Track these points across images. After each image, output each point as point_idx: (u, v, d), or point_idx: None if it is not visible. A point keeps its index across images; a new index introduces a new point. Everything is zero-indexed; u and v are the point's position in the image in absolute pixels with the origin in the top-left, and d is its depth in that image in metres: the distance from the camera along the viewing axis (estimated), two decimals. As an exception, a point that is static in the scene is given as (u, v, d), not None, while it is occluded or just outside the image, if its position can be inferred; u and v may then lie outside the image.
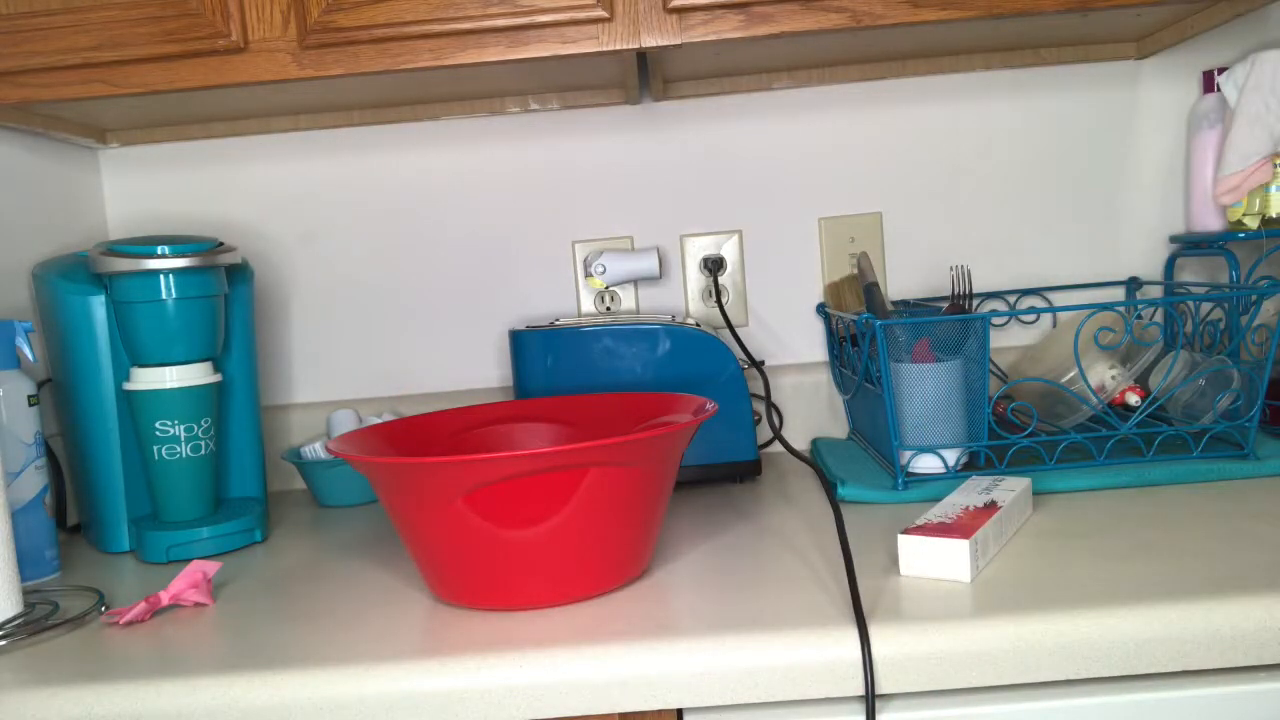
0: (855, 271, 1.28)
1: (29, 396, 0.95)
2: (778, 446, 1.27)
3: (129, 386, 0.98)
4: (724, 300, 1.29)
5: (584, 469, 0.72)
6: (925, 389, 0.97)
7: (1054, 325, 1.27)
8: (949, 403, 0.97)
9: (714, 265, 1.27)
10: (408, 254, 1.29)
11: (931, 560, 0.75)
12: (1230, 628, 0.65)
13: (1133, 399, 1.04)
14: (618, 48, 0.96)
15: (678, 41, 0.96)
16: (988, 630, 0.66)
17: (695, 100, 1.27)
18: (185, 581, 0.83)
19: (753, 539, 0.89)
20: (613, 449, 0.72)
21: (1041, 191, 1.27)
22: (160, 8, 0.95)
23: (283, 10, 0.95)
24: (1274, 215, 1.11)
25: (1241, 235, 1.12)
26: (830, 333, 1.24)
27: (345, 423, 1.20)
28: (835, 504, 0.84)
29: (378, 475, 0.75)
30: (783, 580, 0.77)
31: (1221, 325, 1.09)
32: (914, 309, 1.21)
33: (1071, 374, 1.06)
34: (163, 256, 0.96)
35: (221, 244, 1.01)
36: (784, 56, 1.16)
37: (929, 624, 0.67)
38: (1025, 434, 0.99)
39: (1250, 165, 1.10)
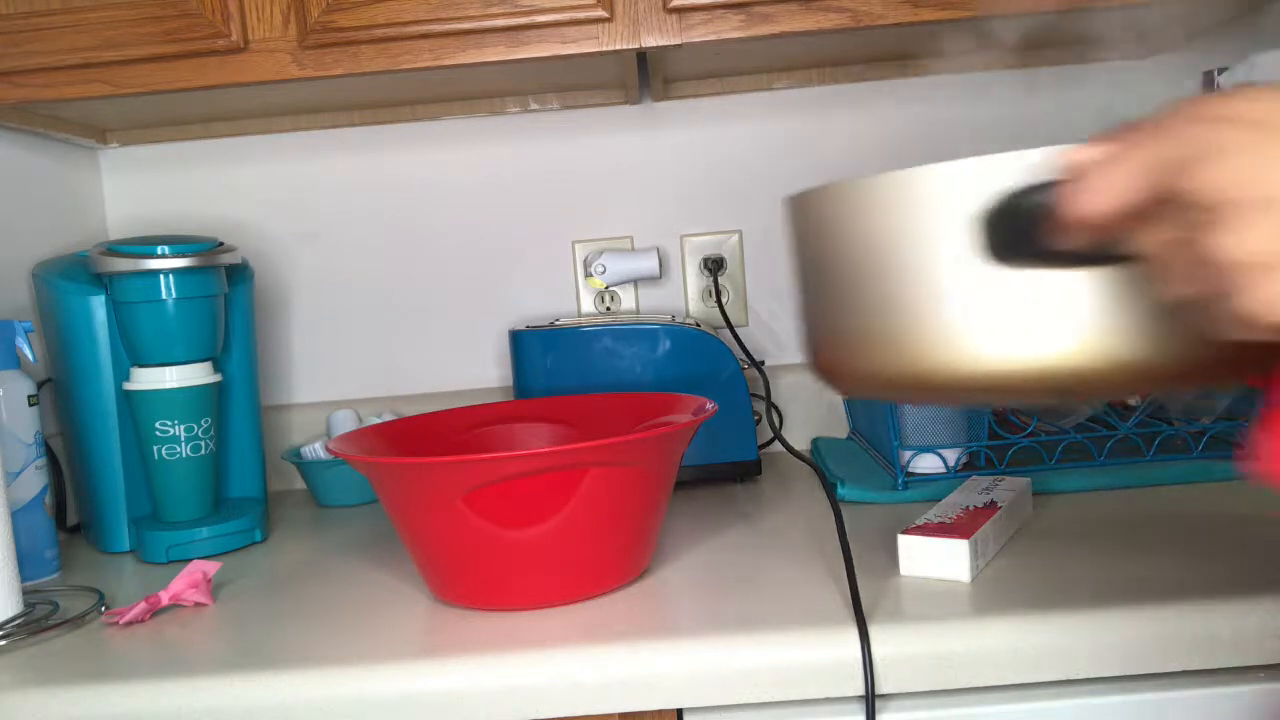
0: (855, 271, 1.27)
1: (29, 396, 0.95)
2: (778, 446, 1.27)
3: (129, 386, 0.98)
4: (724, 300, 1.29)
5: (584, 469, 0.72)
6: (925, 389, 0.97)
7: (1054, 325, 1.27)
8: (949, 403, 0.97)
9: (714, 265, 1.27)
10: (408, 254, 1.29)
11: (931, 560, 0.75)
12: (1230, 628, 0.65)
13: (1133, 399, 1.04)
14: (618, 48, 0.96)
15: (678, 41, 0.96)
16: (988, 630, 0.66)
17: (695, 100, 1.26)
18: (185, 581, 0.83)
19: (753, 539, 0.89)
20: (613, 449, 0.72)
21: (1041, 191, 1.27)
22: (160, 8, 0.95)
23: (283, 10, 0.95)
24: (1274, 215, 1.11)
25: (1241, 235, 1.12)
26: (830, 333, 1.24)
27: (345, 423, 1.20)
28: (835, 504, 0.84)
29: (378, 475, 0.75)
30: (783, 580, 0.77)
31: (1221, 325, 1.09)
32: (914, 309, 1.21)
33: (1071, 374, 1.06)
34: (163, 256, 0.96)
35: (221, 244, 1.01)
36: (784, 56, 1.15)
37: (929, 624, 0.67)
38: (1025, 434, 0.99)
39: (1250, 165, 1.09)
